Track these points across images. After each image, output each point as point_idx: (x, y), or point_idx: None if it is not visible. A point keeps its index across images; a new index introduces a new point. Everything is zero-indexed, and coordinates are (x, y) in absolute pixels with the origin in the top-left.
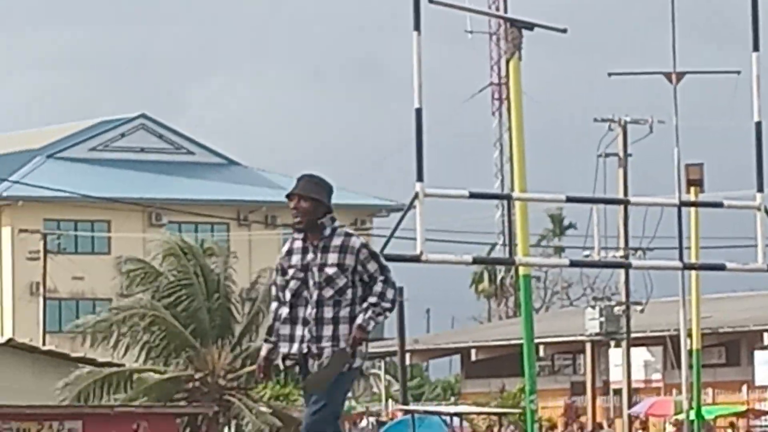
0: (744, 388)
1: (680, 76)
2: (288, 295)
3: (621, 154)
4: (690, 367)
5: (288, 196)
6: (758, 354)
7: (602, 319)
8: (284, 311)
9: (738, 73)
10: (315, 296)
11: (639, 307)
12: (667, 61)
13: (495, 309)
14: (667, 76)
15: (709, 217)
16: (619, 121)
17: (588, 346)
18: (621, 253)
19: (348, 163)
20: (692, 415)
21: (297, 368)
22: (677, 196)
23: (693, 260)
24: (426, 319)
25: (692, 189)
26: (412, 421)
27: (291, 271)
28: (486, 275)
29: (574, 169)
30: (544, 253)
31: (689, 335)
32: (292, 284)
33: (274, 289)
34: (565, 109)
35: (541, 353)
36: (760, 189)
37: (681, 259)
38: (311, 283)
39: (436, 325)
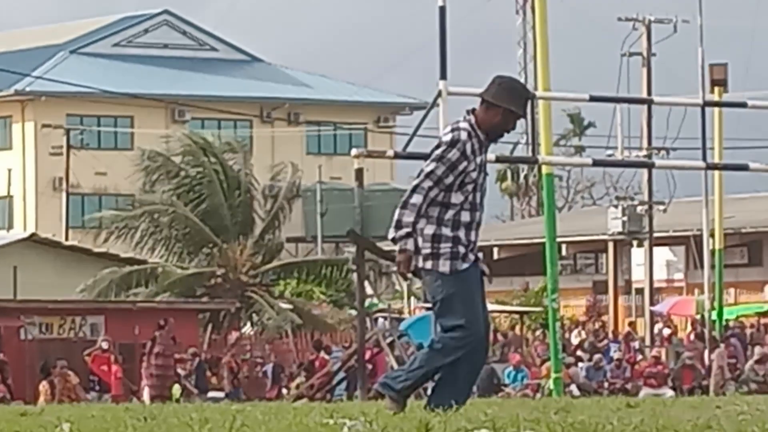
0: (766, 288)
1: None
2: (460, 198)
3: (645, 53)
4: (712, 267)
5: (520, 117)
6: None
7: (625, 218)
8: (460, 216)
9: None
10: (479, 199)
11: (662, 207)
12: None
13: (518, 207)
14: None
15: (732, 117)
16: (644, 20)
17: (610, 246)
18: (644, 152)
19: (372, 61)
20: (714, 315)
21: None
22: (701, 95)
23: (716, 160)
24: None
25: (716, 89)
26: (434, 319)
27: (474, 175)
28: (509, 173)
29: (598, 68)
30: (566, 152)
31: (712, 235)
32: (470, 188)
33: (429, 182)
34: (589, 7)
35: (564, 252)
36: None
37: (704, 158)
38: (479, 185)
39: None
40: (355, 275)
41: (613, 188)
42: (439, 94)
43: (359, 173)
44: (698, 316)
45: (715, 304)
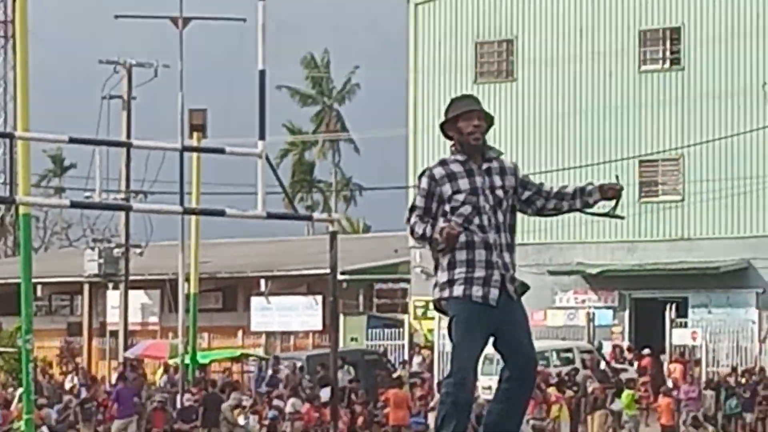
0: (240, 333)
1: (186, 21)
2: (459, 221)
3: (126, 96)
4: (187, 311)
5: (469, 111)
6: (254, 300)
7: (101, 260)
8: (472, 237)
9: (244, 20)
10: (493, 221)
11: (138, 250)
12: (175, 6)
13: None
14: (174, 20)
15: (211, 163)
16: (125, 64)
17: (86, 287)
18: (122, 195)
19: None
20: (187, 359)
21: (491, 295)
22: (180, 140)
23: (194, 205)
24: None
25: (195, 134)
26: None
27: (460, 197)
28: None
29: (79, 110)
30: (45, 193)
31: (187, 279)
32: (464, 209)
33: (409, 213)
34: (71, 49)
35: (39, 293)
36: (262, 137)
37: (182, 203)
38: (487, 207)
39: None
40: None
41: (91, 230)
42: None
43: None
44: (172, 361)
45: (189, 348)
